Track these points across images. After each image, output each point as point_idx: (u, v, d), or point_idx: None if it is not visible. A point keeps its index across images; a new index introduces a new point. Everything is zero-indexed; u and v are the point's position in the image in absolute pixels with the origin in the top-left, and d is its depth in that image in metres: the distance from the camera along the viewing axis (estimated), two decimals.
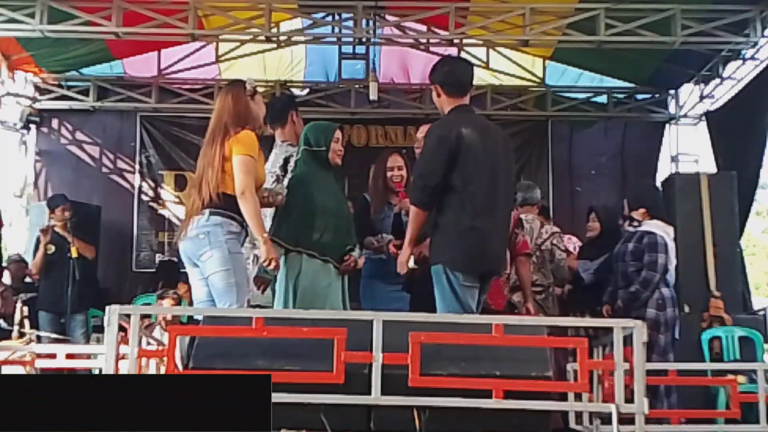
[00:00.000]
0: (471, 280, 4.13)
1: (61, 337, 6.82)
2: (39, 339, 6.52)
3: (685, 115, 9.62)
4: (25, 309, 6.52)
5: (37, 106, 9.39)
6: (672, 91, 9.64)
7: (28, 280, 7.83)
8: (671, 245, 5.74)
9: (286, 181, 4.64)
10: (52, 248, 7.41)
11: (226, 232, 3.98)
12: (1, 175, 9.68)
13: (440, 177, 4.11)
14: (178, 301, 6.85)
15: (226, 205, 4.00)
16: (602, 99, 9.78)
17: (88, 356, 5.44)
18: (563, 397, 3.81)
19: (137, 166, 9.67)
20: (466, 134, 4.16)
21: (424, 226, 4.25)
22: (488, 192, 4.16)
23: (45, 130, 9.57)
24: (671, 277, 5.74)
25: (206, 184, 4.03)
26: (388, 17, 8.49)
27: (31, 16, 7.43)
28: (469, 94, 4.38)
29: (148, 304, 7.73)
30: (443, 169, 4.10)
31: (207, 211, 4.00)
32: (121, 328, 3.29)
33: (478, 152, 4.16)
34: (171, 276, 8.75)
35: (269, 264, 4.03)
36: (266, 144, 4.74)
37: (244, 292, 3.97)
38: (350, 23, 8.29)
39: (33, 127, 9.28)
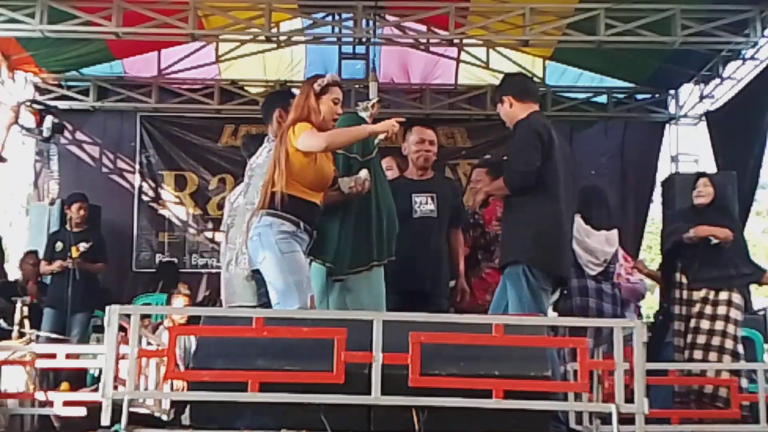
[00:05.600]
0: (548, 283, 4.13)
1: (61, 336, 6.82)
2: (37, 338, 6.53)
3: (685, 115, 9.62)
4: (25, 309, 6.53)
5: (37, 106, 9.37)
6: (672, 91, 9.64)
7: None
8: (585, 241, 5.41)
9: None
10: (60, 245, 7.46)
11: (277, 232, 3.85)
12: (18, 178, 9.65)
13: (537, 165, 4.10)
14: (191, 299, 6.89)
15: (281, 204, 3.88)
16: (602, 99, 9.78)
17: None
18: (563, 397, 3.81)
19: (137, 166, 9.67)
20: (554, 134, 4.20)
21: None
22: (566, 195, 4.18)
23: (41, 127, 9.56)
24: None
25: (265, 184, 3.95)
26: (388, 17, 8.50)
27: (31, 16, 7.44)
28: (536, 102, 4.39)
29: (148, 304, 7.76)
30: (539, 158, 4.10)
31: (261, 212, 3.91)
32: (122, 328, 3.30)
33: (560, 154, 4.19)
34: (171, 276, 8.78)
35: (387, 135, 3.99)
36: None
37: (305, 290, 3.82)
38: (350, 23, 8.29)
39: (58, 135, 9.20)
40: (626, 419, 3.24)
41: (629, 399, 3.20)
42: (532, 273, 4.07)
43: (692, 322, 5.27)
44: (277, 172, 3.90)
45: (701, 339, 5.19)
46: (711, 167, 8.68)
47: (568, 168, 4.28)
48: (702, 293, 5.31)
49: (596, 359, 4.33)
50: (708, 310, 5.23)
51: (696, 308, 5.28)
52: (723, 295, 5.26)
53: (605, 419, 3.52)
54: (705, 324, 5.21)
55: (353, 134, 4.04)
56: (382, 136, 4.04)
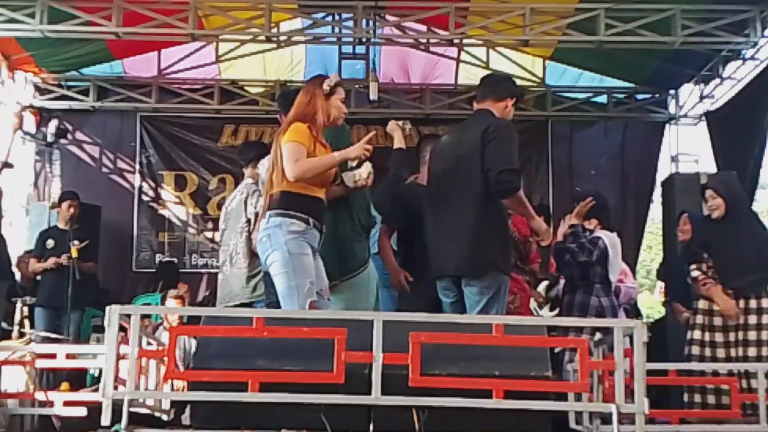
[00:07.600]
0: (443, 286, 4.34)
1: (60, 336, 6.82)
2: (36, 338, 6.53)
3: (685, 115, 9.62)
4: (26, 309, 6.53)
5: (37, 106, 9.38)
6: (672, 91, 9.63)
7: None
8: (612, 255, 5.46)
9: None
10: (51, 243, 7.45)
11: (287, 232, 3.84)
12: (18, 178, 9.62)
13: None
14: (184, 301, 6.87)
15: (287, 204, 3.87)
16: (602, 99, 9.78)
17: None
18: (563, 397, 3.81)
19: (137, 166, 9.67)
20: (441, 140, 4.56)
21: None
22: (442, 193, 4.32)
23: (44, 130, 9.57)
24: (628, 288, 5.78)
25: (268, 183, 3.95)
26: (388, 17, 8.49)
27: (31, 16, 7.43)
28: (497, 101, 4.48)
29: (148, 304, 7.76)
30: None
31: (268, 213, 3.90)
32: (122, 328, 3.30)
33: (442, 156, 4.40)
34: (171, 276, 8.78)
35: (359, 161, 3.99)
36: None
37: (305, 295, 3.79)
38: (350, 23, 8.28)
39: (62, 140, 9.11)
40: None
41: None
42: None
43: (738, 335, 5.06)
44: (275, 172, 3.91)
45: (752, 352, 4.98)
46: (711, 167, 8.68)
47: (461, 159, 4.29)
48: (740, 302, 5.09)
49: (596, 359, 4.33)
50: (752, 320, 5.03)
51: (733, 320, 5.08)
52: (764, 303, 5.03)
53: (605, 419, 3.52)
54: (752, 335, 5.03)
55: (324, 165, 3.94)
56: (354, 163, 4.01)
